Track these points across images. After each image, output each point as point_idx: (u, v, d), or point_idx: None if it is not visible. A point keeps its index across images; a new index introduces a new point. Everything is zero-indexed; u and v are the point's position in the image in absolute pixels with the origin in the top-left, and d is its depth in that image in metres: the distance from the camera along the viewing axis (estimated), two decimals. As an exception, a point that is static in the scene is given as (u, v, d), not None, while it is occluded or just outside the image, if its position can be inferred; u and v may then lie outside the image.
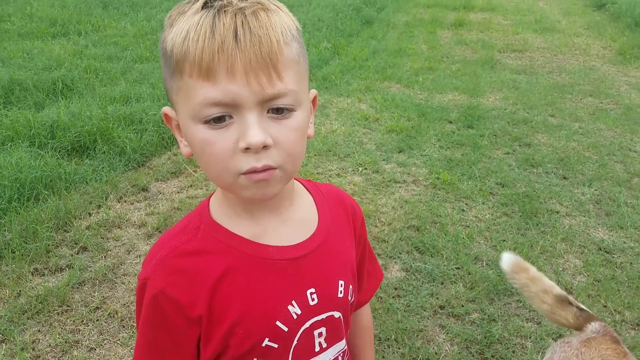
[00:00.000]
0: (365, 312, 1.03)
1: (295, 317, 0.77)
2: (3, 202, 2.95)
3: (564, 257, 2.78)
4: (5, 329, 2.19)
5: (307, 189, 0.87)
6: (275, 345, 0.76)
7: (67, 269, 2.61)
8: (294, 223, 0.80)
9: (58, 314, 2.32)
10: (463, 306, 2.38)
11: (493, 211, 3.21)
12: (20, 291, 2.43)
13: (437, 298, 2.44)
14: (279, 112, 0.66)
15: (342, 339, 0.86)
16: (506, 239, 2.91)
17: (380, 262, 2.69)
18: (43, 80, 4.78)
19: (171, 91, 0.69)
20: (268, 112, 0.65)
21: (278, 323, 0.75)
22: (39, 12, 7.81)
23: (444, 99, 5.35)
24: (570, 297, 1.55)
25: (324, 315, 0.80)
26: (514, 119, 4.78)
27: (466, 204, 3.31)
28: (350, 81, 5.79)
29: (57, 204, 3.03)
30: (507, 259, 1.62)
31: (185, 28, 0.63)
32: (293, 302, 0.77)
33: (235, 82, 0.62)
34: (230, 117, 0.64)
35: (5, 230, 2.80)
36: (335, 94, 5.33)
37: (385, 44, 7.56)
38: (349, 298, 0.85)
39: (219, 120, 0.64)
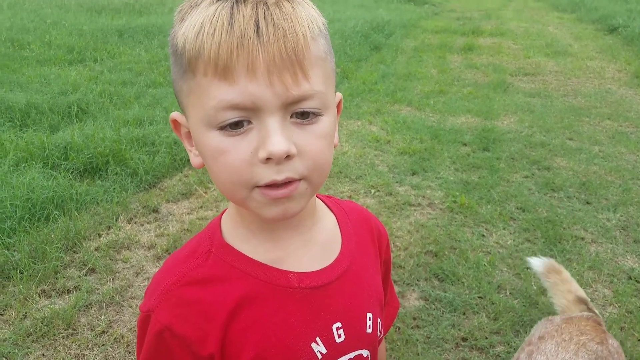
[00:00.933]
0: (380, 345, 0.92)
1: (320, 356, 0.67)
2: (14, 222, 2.91)
3: (592, 287, 2.66)
4: (9, 352, 2.11)
5: (328, 206, 0.78)
6: None
7: (74, 290, 2.54)
8: (317, 244, 0.71)
9: (63, 337, 2.24)
10: (487, 338, 2.27)
11: (515, 237, 3.10)
12: (26, 313, 2.36)
13: (459, 329, 2.32)
14: (304, 116, 0.57)
15: None
16: (530, 267, 2.79)
17: (397, 289, 2.59)
18: (59, 104, 4.81)
19: (181, 93, 0.60)
20: (292, 116, 0.57)
21: None
22: (57, 40, 7.93)
23: (457, 121, 5.28)
24: (590, 303, 1.66)
25: (351, 355, 0.70)
26: (530, 141, 4.69)
27: (486, 228, 3.21)
28: (360, 104, 5.76)
29: (67, 225, 2.98)
30: (541, 262, 1.81)
31: (199, 21, 0.55)
32: (317, 338, 0.67)
33: (256, 81, 0.54)
34: (249, 122, 0.56)
35: (14, 250, 2.74)
36: (345, 117, 5.29)
37: (394, 68, 7.55)
38: (378, 333, 0.75)
39: (236, 125, 0.56)
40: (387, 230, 2.66)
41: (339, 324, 0.69)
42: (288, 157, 0.56)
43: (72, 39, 8.07)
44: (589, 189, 3.74)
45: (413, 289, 2.60)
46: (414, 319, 2.38)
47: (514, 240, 3.05)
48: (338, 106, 0.69)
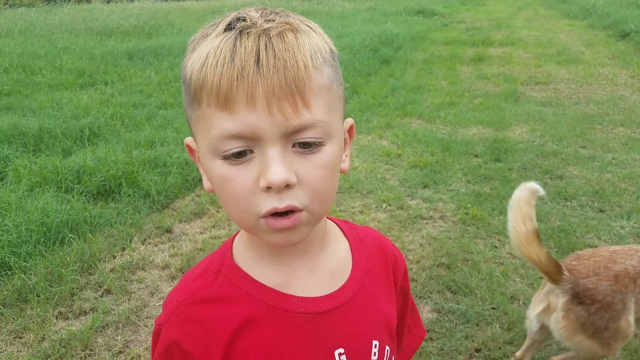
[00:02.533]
0: None
1: None
2: (29, 246, 2.96)
3: (606, 295, 2.62)
4: (27, 377, 2.14)
5: (343, 232, 0.78)
6: None
7: (90, 312, 2.57)
8: (323, 271, 0.71)
9: (81, 358, 2.28)
10: (500, 349, 2.24)
11: (527, 247, 3.07)
12: (44, 335, 2.39)
13: (472, 340, 2.30)
14: (306, 146, 0.58)
15: None
16: (543, 277, 2.76)
17: (410, 302, 2.57)
18: (71, 128, 4.91)
19: (191, 121, 0.62)
20: (294, 146, 0.58)
21: None
22: (68, 64, 8.12)
23: (468, 133, 5.27)
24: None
25: None
26: (543, 151, 4.66)
27: (499, 239, 3.18)
28: (370, 119, 5.78)
29: (82, 247, 3.03)
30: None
31: (204, 52, 0.57)
32: None
33: (255, 112, 0.55)
34: (252, 151, 0.58)
35: (31, 274, 2.79)
36: (355, 132, 5.29)
37: (404, 81, 7.58)
38: None
39: (239, 155, 0.58)
40: (400, 244, 2.65)
41: (341, 350, 0.69)
42: (288, 186, 0.57)
43: (83, 63, 8.25)
44: (602, 197, 3.70)
45: (426, 302, 2.58)
46: (428, 331, 2.36)
47: (527, 251, 3.02)
48: (350, 132, 0.70)
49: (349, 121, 0.70)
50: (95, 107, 5.83)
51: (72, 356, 2.26)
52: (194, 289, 0.69)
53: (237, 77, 0.54)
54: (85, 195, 3.68)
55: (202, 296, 0.68)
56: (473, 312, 2.47)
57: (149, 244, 3.20)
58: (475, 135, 5.18)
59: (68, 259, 2.92)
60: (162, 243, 3.20)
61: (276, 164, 0.56)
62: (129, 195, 3.67)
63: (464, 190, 3.89)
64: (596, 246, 3.05)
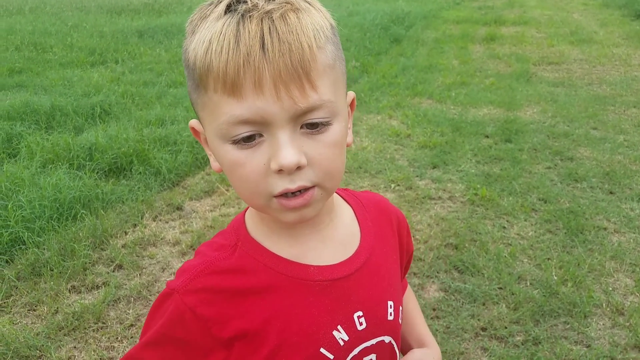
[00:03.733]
0: (408, 295, 0.95)
1: (342, 343, 0.70)
2: (43, 221, 3.01)
3: (613, 276, 2.62)
4: (42, 345, 2.20)
5: (346, 201, 0.80)
6: None
7: (103, 286, 2.63)
8: (335, 240, 0.73)
9: (94, 330, 2.33)
10: (506, 328, 2.26)
11: (536, 228, 3.07)
12: (57, 308, 2.45)
13: (478, 319, 2.32)
14: (314, 127, 0.59)
15: None
16: (551, 257, 2.77)
17: (417, 281, 2.60)
18: (82, 106, 4.94)
19: (197, 106, 0.63)
20: (302, 127, 0.59)
21: (322, 350, 0.69)
22: (79, 42, 8.13)
23: (479, 113, 5.23)
24: None
25: (373, 341, 0.73)
26: (554, 132, 4.62)
27: (507, 220, 3.18)
28: (379, 98, 5.75)
29: (94, 223, 3.07)
30: None
31: (207, 37, 0.57)
32: (339, 327, 0.70)
33: (263, 97, 0.56)
34: (261, 135, 0.59)
35: (44, 249, 2.84)
36: (364, 111, 5.29)
37: (414, 61, 7.50)
38: (399, 320, 0.78)
39: (248, 139, 0.58)
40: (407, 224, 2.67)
41: (360, 313, 0.71)
42: (299, 167, 0.59)
43: (93, 40, 8.26)
44: (612, 178, 3.67)
45: (433, 281, 2.61)
46: (434, 309, 2.39)
47: (535, 232, 3.03)
48: (352, 105, 0.71)
49: (351, 94, 0.71)
50: (106, 85, 5.85)
51: (85, 329, 2.32)
52: (212, 259, 0.70)
53: (244, 63, 0.55)
54: (97, 172, 3.72)
55: (220, 267, 0.69)
56: (480, 292, 2.49)
57: (160, 220, 3.24)
58: (486, 116, 5.14)
59: (80, 234, 2.97)
60: (172, 220, 3.24)
61: (287, 147, 0.57)
62: (140, 172, 3.71)
63: (473, 170, 3.88)
64: (605, 228, 3.06)
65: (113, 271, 2.75)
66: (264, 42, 0.55)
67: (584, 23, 10.45)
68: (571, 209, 3.26)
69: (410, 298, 0.96)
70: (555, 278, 2.57)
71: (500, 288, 2.53)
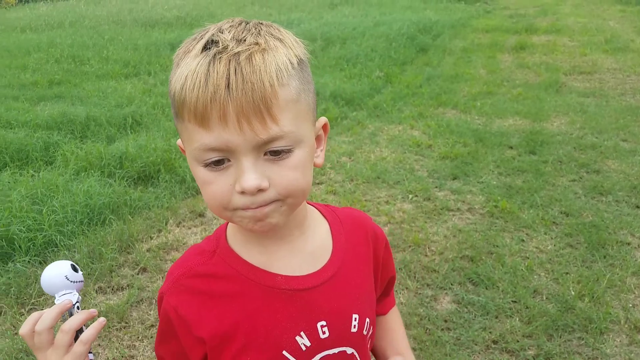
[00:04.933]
0: (392, 313, 1.00)
1: (304, 348, 0.76)
2: (74, 226, 3.17)
3: (634, 293, 2.58)
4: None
5: (323, 216, 0.86)
6: None
7: (127, 288, 2.75)
8: (305, 253, 0.80)
9: (117, 329, 2.44)
10: (518, 341, 2.26)
11: (556, 242, 3.05)
12: (84, 307, 2.56)
13: (490, 332, 2.33)
14: (277, 154, 0.66)
15: None
16: (569, 272, 2.75)
17: (429, 292, 2.62)
18: (115, 116, 5.15)
19: (178, 130, 0.72)
20: (265, 154, 0.66)
21: (285, 353, 0.75)
22: (114, 55, 8.44)
23: (504, 124, 5.19)
24: None
25: (335, 350, 0.79)
26: (581, 144, 4.55)
27: (526, 233, 3.16)
28: (402, 108, 5.77)
29: (121, 228, 3.21)
30: None
31: (184, 74, 0.64)
32: (302, 333, 0.76)
33: (228, 129, 0.62)
34: (228, 160, 0.66)
35: (74, 251, 3.00)
36: (386, 122, 5.32)
37: (440, 70, 7.49)
38: (364, 332, 0.83)
39: (218, 163, 0.66)
40: (423, 235, 2.70)
41: (323, 322, 0.77)
42: (261, 190, 0.66)
43: (128, 53, 8.56)
44: None
45: (446, 293, 2.62)
46: (445, 321, 2.41)
47: (554, 245, 3.00)
48: (325, 129, 0.78)
49: (322, 120, 0.77)
50: (138, 97, 6.07)
51: (109, 327, 2.44)
52: (192, 264, 0.79)
53: (211, 99, 0.62)
54: (127, 180, 3.87)
55: (198, 271, 0.78)
56: (493, 305, 2.49)
57: (183, 226, 3.35)
58: (511, 127, 5.10)
59: (108, 238, 3.11)
60: (195, 226, 3.35)
61: (249, 173, 0.64)
62: (166, 180, 3.85)
63: (494, 182, 3.87)
64: (628, 243, 3.00)
65: (137, 274, 2.87)
66: (229, 81, 0.62)
67: (620, 31, 10.20)
68: (594, 222, 3.21)
69: (394, 316, 1.01)
70: (573, 293, 2.55)
71: (515, 301, 2.52)
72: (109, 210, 3.40)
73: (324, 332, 0.77)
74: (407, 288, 2.66)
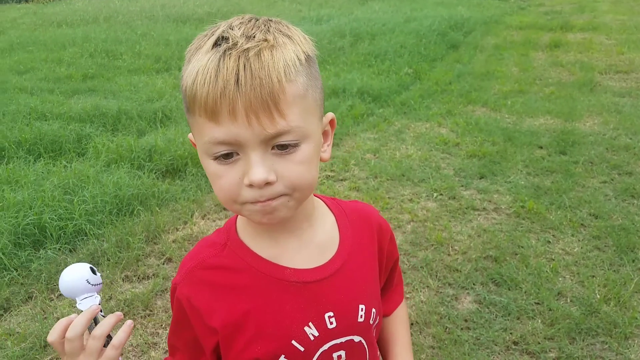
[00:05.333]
0: (397, 314, 1.01)
1: (312, 338, 0.78)
2: (103, 216, 3.27)
3: (663, 298, 2.51)
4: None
5: (330, 209, 0.88)
6: None
7: (152, 277, 2.82)
8: (313, 245, 0.82)
9: (142, 317, 2.51)
10: (540, 343, 2.23)
11: (583, 244, 2.98)
12: (111, 295, 2.66)
13: (511, 333, 2.30)
14: (284, 148, 0.67)
15: None
16: (596, 275, 2.69)
17: (451, 291, 2.60)
18: (146, 111, 5.27)
19: (189, 124, 0.74)
20: (273, 148, 0.67)
21: (294, 342, 0.77)
22: (146, 50, 8.61)
23: (534, 123, 5.09)
24: None
25: (343, 339, 0.81)
26: (613, 145, 4.42)
27: (553, 235, 3.10)
28: (430, 105, 5.71)
29: (149, 219, 3.29)
30: None
31: (195, 69, 0.66)
32: (310, 324, 0.78)
33: (237, 124, 0.64)
34: (237, 153, 0.68)
35: (103, 240, 3.09)
36: (413, 119, 5.28)
37: (471, 67, 7.38)
38: (371, 322, 0.84)
39: (227, 156, 0.68)
40: (447, 234, 2.68)
41: (331, 313, 0.80)
42: (268, 183, 0.67)
43: (159, 48, 8.71)
44: (673, 195, 3.49)
45: (467, 293, 2.60)
46: (465, 320, 2.39)
47: (581, 248, 2.93)
48: (331, 124, 0.79)
49: (329, 115, 0.79)
50: (168, 92, 6.18)
51: (134, 315, 2.51)
52: (204, 257, 0.81)
53: (220, 94, 0.64)
54: (155, 172, 3.96)
55: (210, 263, 0.80)
56: (515, 306, 2.45)
57: (208, 219, 3.41)
58: (541, 126, 5.00)
59: (136, 228, 3.19)
60: (219, 219, 3.41)
61: (257, 166, 0.66)
62: (193, 174, 3.92)
63: (522, 182, 3.80)
64: (659, 247, 2.91)
65: (163, 264, 2.94)
66: (238, 77, 0.63)
67: (661, 29, 9.85)
68: (623, 225, 3.13)
69: (399, 319, 1.02)
70: (598, 296, 2.49)
71: (538, 303, 2.48)
72: (137, 201, 3.49)
73: (331, 323, 0.79)
74: (428, 286, 2.65)
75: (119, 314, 0.78)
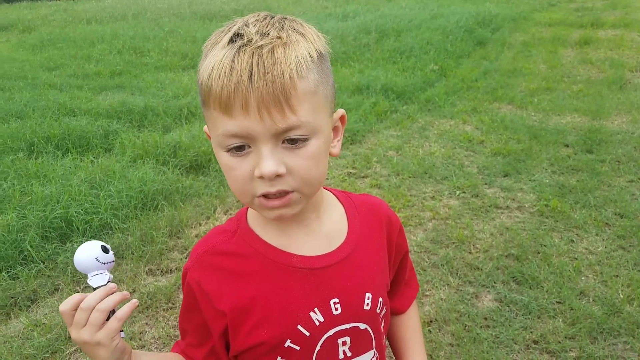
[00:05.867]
0: (411, 314, 1.03)
1: (317, 323, 0.80)
2: (128, 210, 3.34)
3: (691, 300, 2.44)
4: (119, 322, 2.47)
5: (339, 200, 0.90)
6: (297, 348, 0.80)
7: (175, 271, 2.87)
8: (321, 234, 0.84)
9: (164, 310, 2.56)
10: (560, 343, 2.20)
11: (607, 243, 2.92)
12: (135, 288, 2.72)
13: (531, 332, 2.27)
14: (294, 142, 0.70)
15: (369, 350, 0.86)
16: (619, 274, 2.63)
17: (471, 290, 2.59)
18: (171, 107, 5.36)
19: (204, 117, 0.77)
20: (283, 142, 0.70)
21: (299, 327, 0.79)
22: (173, 47, 8.75)
23: (561, 121, 5.00)
24: None
25: (347, 326, 0.82)
26: (642, 143, 4.32)
27: (577, 234, 3.05)
28: (455, 102, 5.66)
29: (172, 214, 3.35)
30: None
31: (211, 64, 0.69)
32: (315, 309, 0.80)
33: (249, 117, 0.67)
34: (249, 146, 0.70)
35: (127, 234, 3.16)
36: (437, 116, 5.24)
37: (498, 64, 7.27)
38: (377, 310, 0.86)
39: (239, 148, 0.70)
40: (469, 232, 2.66)
41: (336, 300, 0.81)
42: (278, 176, 0.70)
43: (186, 45, 8.85)
44: None
45: (488, 291, 2.58)
46: (485, 319, 2.37)
47: (605, 247, 2.88)
48: (342, 120, 0.82)
49: (340, 112, 0.81)
50: (194, 88, 6.26)
51: (157, 307, 2.57)
52: (214, 242, 0.84)
53: (234, 89, 0.66)
54: (179, 168, 4.03)
55: (220, 249, 0.83)
56: (536, 305, 2.42)
57: (231, 214, 3.46)
58: (568, 124, 4.91)
59: (160, 223, 3.25)
60: (241, 215, 3.45)
61: (267, 159, 0.69)
62: (216, 170, 3.98)
63: (547, 181, 3.74)
64: (688, 248, 2.84)
65: (186, 258, 2.99)
66: (251, 73, 0.66)
67: (697, 24, 9.53)
68: (651, 225, 3.05)
69: (413, 315, 1.04)
70: (621, 296, 2.44)
71: (559, 302, 2.45)
72: (161, 196, 3.56)
73: (336, 309, 0.81)
74: (448, 284, 2.64)
75: (125, 293, 0.80)
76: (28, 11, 16.19)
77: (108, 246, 0.82)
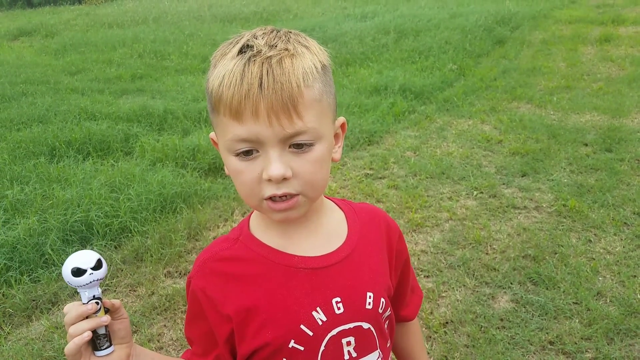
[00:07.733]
0: (415, 321, 1.07)
1: (320, 323, 0.82)
2: (147, 213, 3.40)
3: None
4: (138, 322, 2.53)
5: (339, 207, 0.93)
6: (302, 348, 0.82)
7: (194, 274, 2.92)
8: (321, 236, 0.87)
9: (182, 312, 2.61)
10: (576, 343, 2.18)
11: (625, 243, 2.89)
12: (153, 290, 2.78)
13: (547, 333, 2.26)
14: (300, 147, 0.74)
15: (374, 350, 0.88)
16: (637, 275, 2.60)
17: (487, 290, 2.58)
18: (191, 110, 5.43)
19: (213, 123, 0.80)
20: (290, 147, 0.74)
21: (302, 327, 0.82)
22: (193, 50, 8.86)
23: (580, 120, 4.94)
24: None
25: (351, 325, 0.84)
26: (664, 141, 4.24)
27: (594, 234, 3.02)
28: (474, 102, 5.62)
29: (191, 216, 3.41)
30: None
31: (221, 73, 0.73)
32: (318, 308, 0.83)
33: (258, 123, 0.71)
34: (257, 151, 0.74)
35: (147, 237, 3.22)
36: (455, 116, 5.22)
37: (517, 63, 7.20)
38: (380, 310, 0.88)
39: (247, 153, 0.74)
40: (485, 233, 2.66)
41: (338, 299, 0.84)
42: (285, 178, 0.74)
43: (206, 49, 8.95)
44: None
45: (505, 292, 2.57)
46: (501, 319, 2.37)
47: (623, 247, 2.84)
48: (342, 127, 0.86)
49: (341, 120, 0.85)
50: (213, 91, 6.34)
51: (175, 310, 2.62)
52: (217, 250, 0.88)
53: (245, 96, 0.71)
54: (198, 171, 4.10)
55: (223, 255, 0.87)
56: (552, 305, 2.41)
57: (248, 217, 3.50)
58: (587, 123, 4.84)
59: (179, 225, 3.31)
60: (258, 217, 3.49)
61: (275, 162, 0.73)
62: (234, 172, 4.02)
63: (565, 180, 3.71)
64: None
65: (204, 260, 3.04)
66: (262, 81, 0.70)
67: None
68: (672, 225, 3.01)
69: (415, 322, 1.07)
70: (639, 297, 2.41)
71: (576, 303, 2.43)
72: (180, 199, 3.62)
73: (339, 308, 0.83)
74: (464, 285, 2.64)
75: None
76: (51, 16, 16.56)
77: (84, 267, 0.77)
